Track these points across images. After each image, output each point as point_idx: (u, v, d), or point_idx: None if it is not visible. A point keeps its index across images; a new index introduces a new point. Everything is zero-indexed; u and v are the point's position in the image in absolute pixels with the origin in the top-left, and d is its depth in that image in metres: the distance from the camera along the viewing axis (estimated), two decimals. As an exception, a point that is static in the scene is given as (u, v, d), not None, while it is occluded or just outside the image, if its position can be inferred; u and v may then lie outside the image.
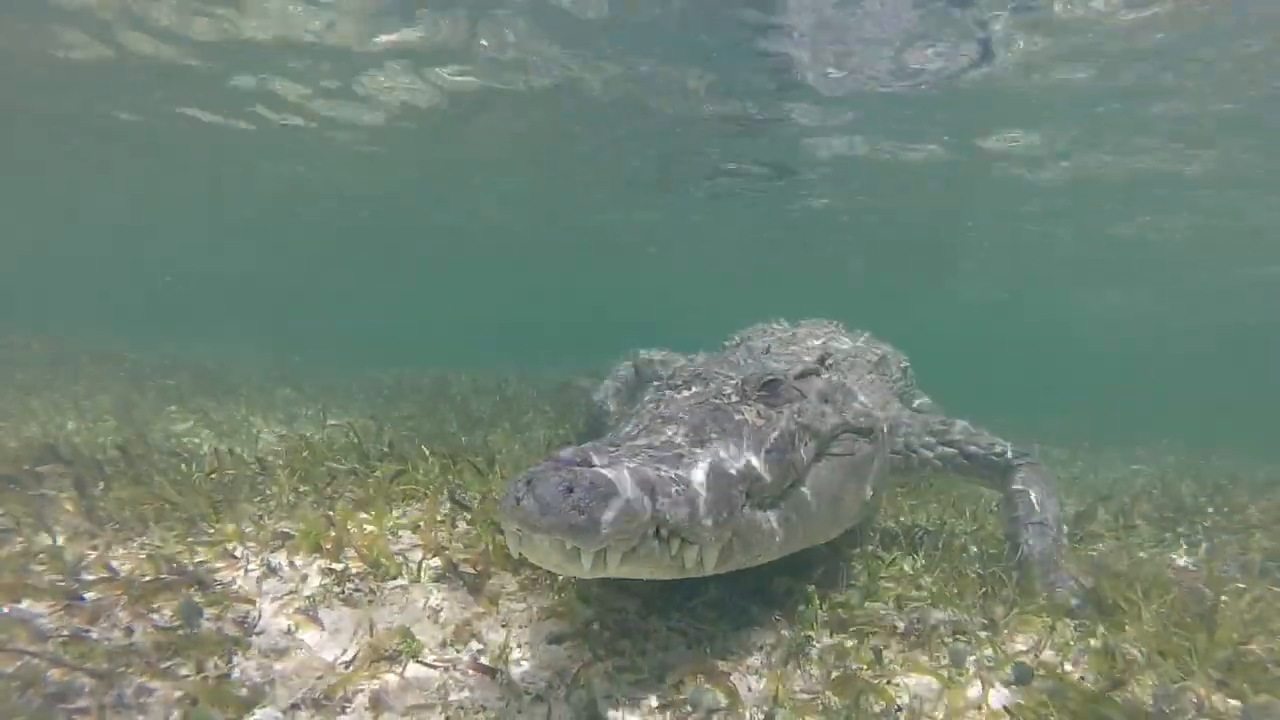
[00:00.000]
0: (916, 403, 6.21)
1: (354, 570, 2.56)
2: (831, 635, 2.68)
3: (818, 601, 2.85)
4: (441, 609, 2.42)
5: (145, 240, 38.67)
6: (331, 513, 3.05)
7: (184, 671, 1.90)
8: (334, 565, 2.58)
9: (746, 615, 2.75)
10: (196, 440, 6.28)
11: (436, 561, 2.66)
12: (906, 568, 3.48)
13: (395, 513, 3.11)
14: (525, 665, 2.23)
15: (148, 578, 2.37)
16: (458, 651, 2.22)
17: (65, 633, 2.02)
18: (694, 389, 2.77)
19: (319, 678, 1.99)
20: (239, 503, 3.17)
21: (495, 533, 2.86)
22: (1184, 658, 2.45)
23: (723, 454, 2.33)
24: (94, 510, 3.07)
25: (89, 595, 2.28)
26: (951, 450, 3.77)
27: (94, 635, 2.03)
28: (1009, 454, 3.74)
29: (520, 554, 1.91)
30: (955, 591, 3.12)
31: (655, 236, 25.30)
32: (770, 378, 2.79)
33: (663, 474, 2.04)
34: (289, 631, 2.19)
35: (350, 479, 3.52)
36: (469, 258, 36.49)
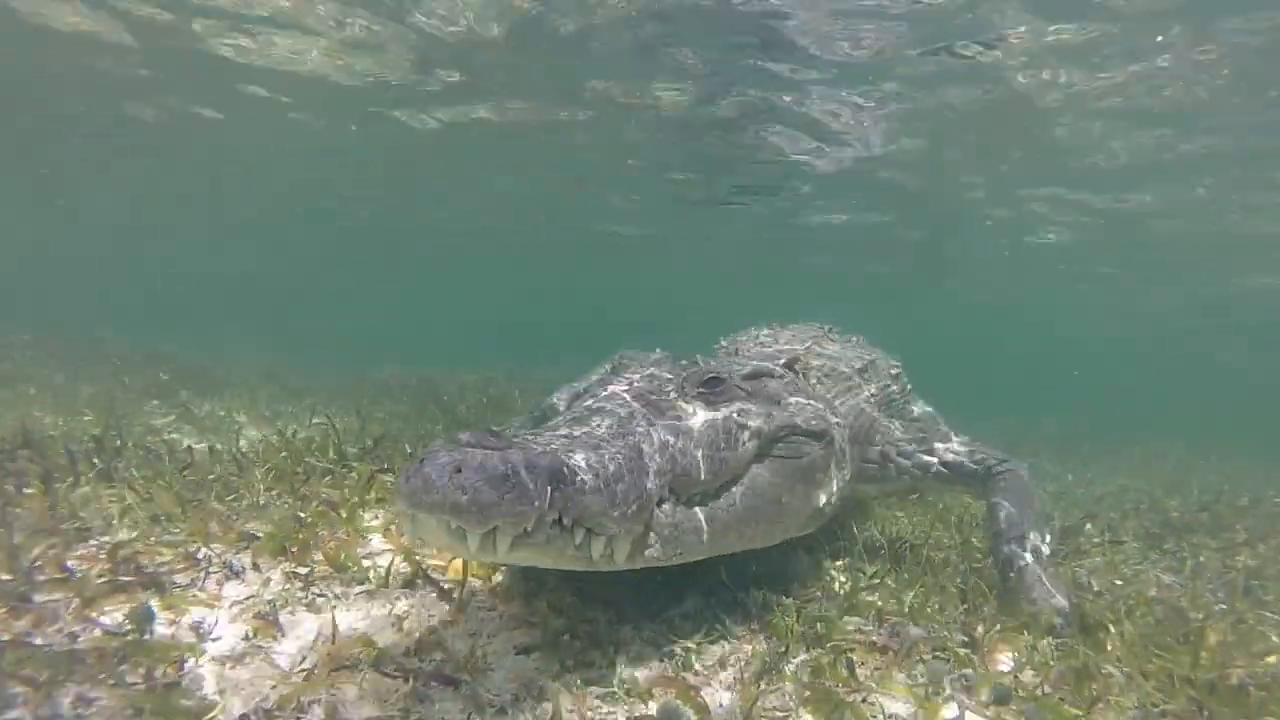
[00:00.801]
0: (917, 410, 6.14)
1: (320, 574, 2.49)
2: (808, 650, 2.62)
3: (795, 615, 2.80)
4: (408, 616, 2.35)
5: (148, 239, 38.49)
6: (303, 514, 2.99)
7: (131, 679, 1.83)
8: (299, 569, 2.51)
9: (722, 627, 2.69)
10: (176, 435, 6.19)
11: (406, 566, 2.59)
12: (889, 581, 3.44)
13: (368, 515, 3.05)
14: (491, 676, 2.17)
15: (103, 579, 2.29)
16: (421, 661, 2.15)
17: (5, 637, 1.94)
18: (637, 385, 2.76)
19: (273, 687, 1.92)
20: (208, 502, 3.09)
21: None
22: (1165, 679, 2.40)
23: (644, 447, 2.30)
24: (58, 506, 3.00)
25: (39, 597, 2.20)
26: (930, 459, 3.70)
27: (38, 640, 1.95)
28: (989, 461, 3.67)
29: (415, 537, 1.88)
30: (937, 607, 3.08)
31: (656, 239, 25.25)
32: (711, 375, 2.78)
33: (571, 461, 2.02)
34: (247, 637, 2.12)
35: (325, 479, 3.45)
36: (470, 257, 36.38)
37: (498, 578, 2.69)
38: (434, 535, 1.84)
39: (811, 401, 3.10)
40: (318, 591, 2.40)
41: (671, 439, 2.41)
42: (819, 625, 2.76)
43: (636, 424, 2.41)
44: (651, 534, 2.24)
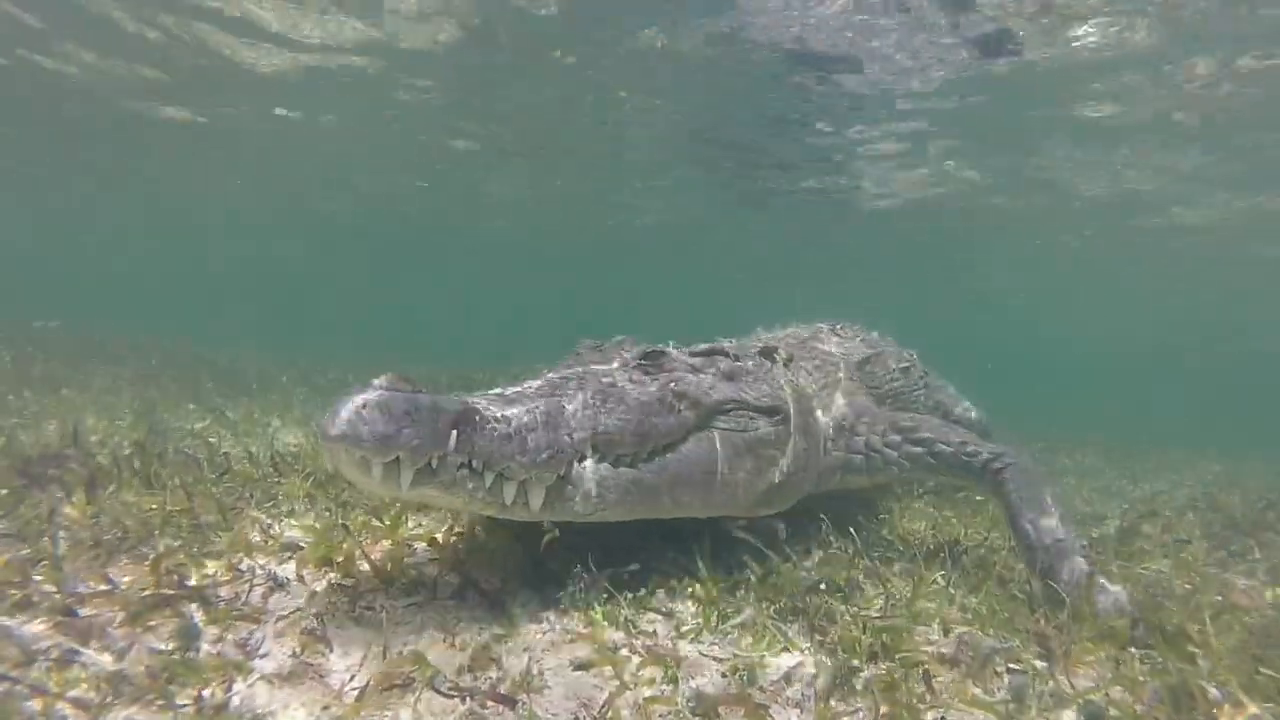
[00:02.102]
0: (958, 409, 6.01)
1: (366, 586, 2.40)
2: (876, 663, 2.48)
3: (862, 625, 2.66)
4: (458, 630, 2.25)
5: (185, 239, 39.19)
6: (345, 522, 2.91)
7: (181, 701, 1.75)
8: (345, 580, 2.42)
9: (784, 638, 2.56)
10: (213, 440, 6.18)
11: (454, 577, 2.49)
12: (947, 585, 3.29)
13: (410, 523, 2.95)
14: (548, 694, 2.06)
15: (147, 592, 2.22)
16: (475, 679, 2.05)
17: (54, 654, 1.87)
18: (587, 360, 2.95)
19: (325, 708, 1.83)
20: (249, 510, 3.03)
21: (517, 545, 2.69)
22: (1274, 696, 2.22)
23: (567, 406, 2.44)
24: (100, 515, 2.95)
25: (84, 611, 2.13)
26: (918, 449, 3.61)
27: (84, 657, 1.88)
28: (983, 455, 3.53)
29: (334, 469, 2.06)
30: (1005, 615, 2.92)
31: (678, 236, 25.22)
32: (654, 349, 2.98)
33: (483, 408, 2.19)
34: (295, 654, 2.03)
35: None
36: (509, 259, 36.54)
37: (549, 588, 2.58)
38: (346, 467, 2.01)
39: (766, 385, 3.14)
40: (365, 604, 2.30)
41: (598, 401, 2.53)
42: (885, 636, 2.62)
43: (566, 387, 2.57)
44: (570, 487, 2.37)
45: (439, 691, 1.95)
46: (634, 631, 2.42)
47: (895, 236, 20.76)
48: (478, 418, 2.14)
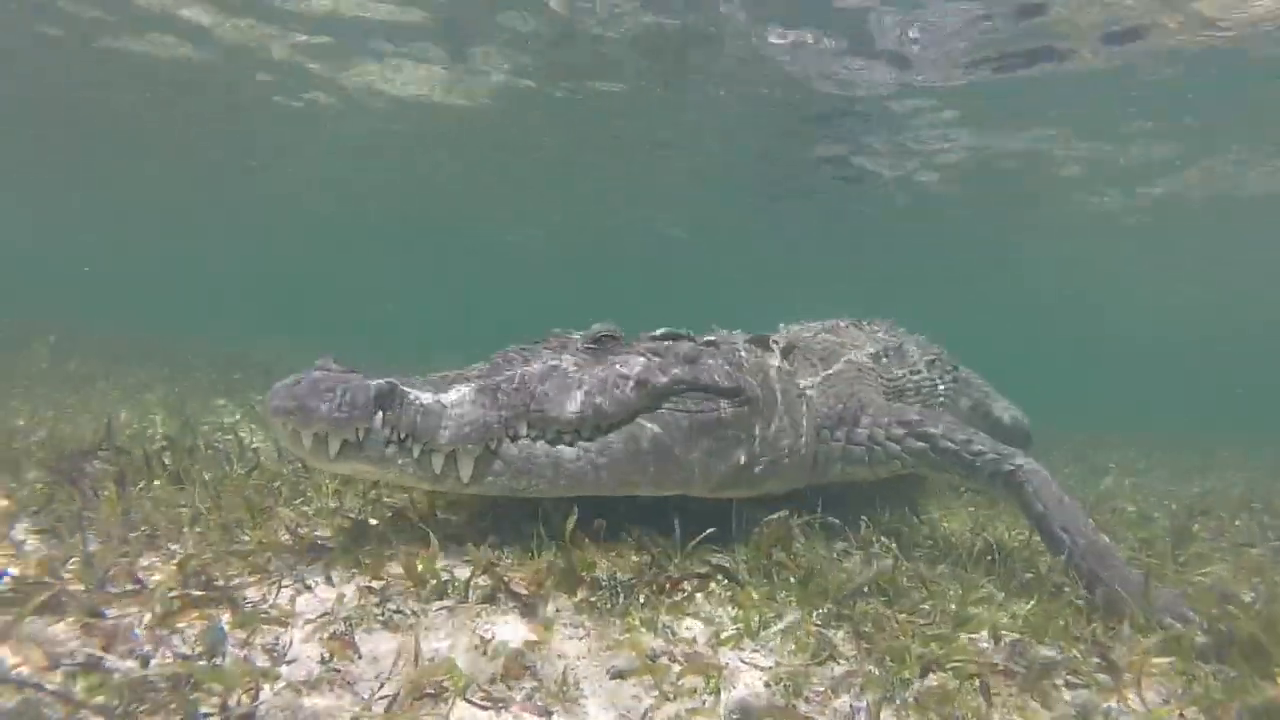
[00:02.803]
0: (996, 408, 5.86)
1: (395, 589, 2.32)
2: (926, 674, 2.35)
3: (910, 633, 2.53)
4: (491, 636, 2.16)
5: (216, 240, 39.89)
6: (374, 521, 2.84)
7: (205, 710, 1.68)
8: (374, 582, 2.34)
9: (828, 645, 2.44)
10: (244, 435, 6.19)
11: (485, 580, 2.40)
12: (995, 590, 3.15)
13: (441, 517, 2.88)
14: (585, 705, 1.97)
15: (174, 592, 2.16)
16: (509, 688, 1.96)
17: (79, 658, 1.81)
18: (543, 345, 3.01)
19: (354, 718, 1.75)
20: (278, 507, 2.97)
21: (552, 547, 2.60)
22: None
23: (503, 385, 2.57)
24: (130, 512, 2.91)
25: (111, 611, 2.08)
26: (922, 444, 3.55)
27: (109, 662, 1.82)
28: (991, 456, 3.43)
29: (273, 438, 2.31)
30: (1060, 623, 2.77)
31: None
32: (604, 333, 3.02)
33: (410, 386, 2.38)
34: (323, 660, 1.95)
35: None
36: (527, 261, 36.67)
37: (583, 592, 2.48)
38: (284, 439, 2.27)
39: (730, 364, 3.14)
40: (394, 608, 2.23)
41: (535, 381, 2.64)
42: (934, 645, 2.50)
43: (509, 368, 2.69)
44: (499, 462, 2.51)
45: (471, 702, 1.86)
46: (673, 638, 2.32)
47: (938, 217, 20.16)
48: (405, 394, 2.34)
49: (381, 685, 1.90)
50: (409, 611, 2.22)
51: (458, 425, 2.40)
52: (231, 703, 1.71)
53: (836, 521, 3.53)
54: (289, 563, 2.44)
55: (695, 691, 2.08)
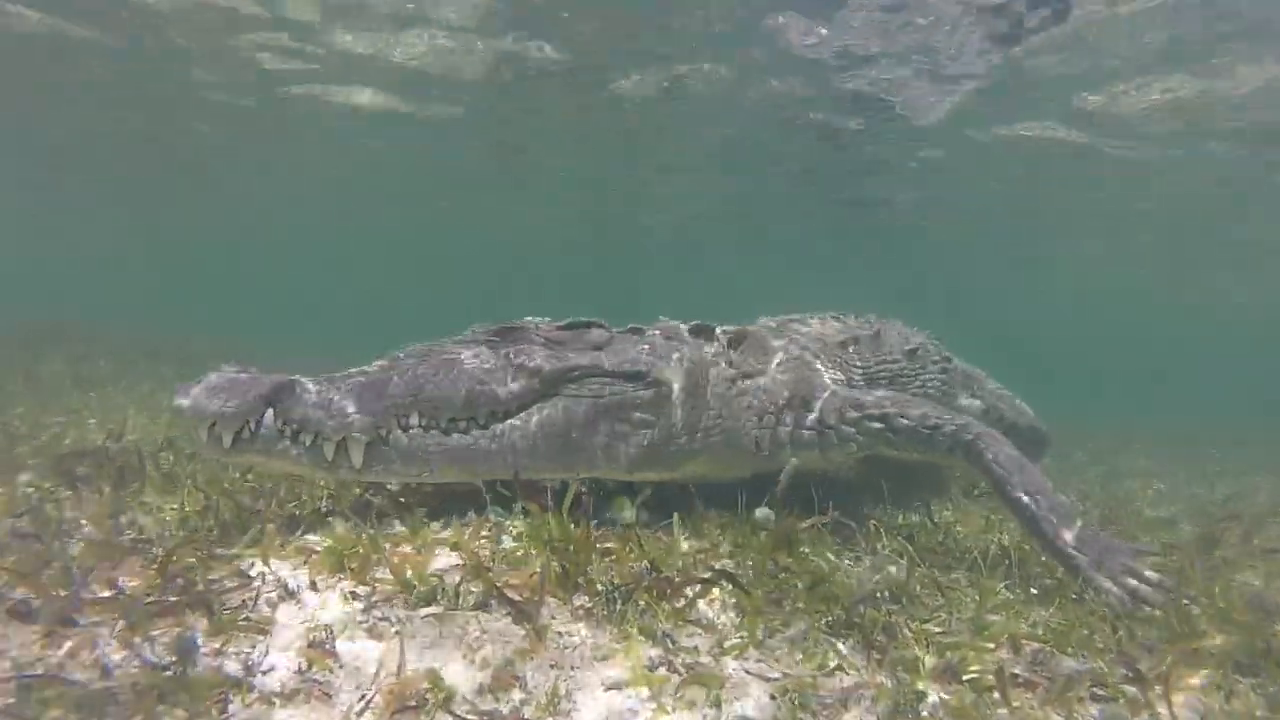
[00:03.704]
0: (1006, 408, 5.63)
1: (382, 594, 2.22)
2: (943, 685, 2.22)
3: (924, 643, 2.41)
4: (481, 644, 2.06)
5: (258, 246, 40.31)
6: (363, 525, 2.74)
7: (169, 723, 1.58)
8: (359, 588, 2.24)
9: (838, 655, 2.32)
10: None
11: (477, 586, 2.29)
12: (1013, 596, 3.02)
13: (435, 525, 2.78)
14: (577, 718, 1.85)
15: (151, 598, 2.07)
16: (497, 700, 1.85)
17: (38, 670, 1.72)
18: (453, 339, 3.13)
19: (329, 732, 1.65)
20: (268, 510, 2.88)
21: (548, 552, 2.49)
22: None
23: (395, 377, 2.72)
24: (118, 515, 2.84)
25: (82, 620, 1.99)
26: (877, 425, 3.53)
27: (73, 673, 1.73)
28: (948, 427, 3.45)
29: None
30: (1084, 631, 2.63)
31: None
32: (504, 325, 3.15)
33: (301, 383, 2.58)
34: (300, 670, 1.85)
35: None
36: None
37: (580, 600, 2.37)
38: (187, 430, 2.56)
39: (641, 350, 3.19)
40: (380, 615, 2.12)
41: (429, 372, 2.76)
42: (950, 654, 2.37)
43: (406, 361, 2.84)
44: (388, 449, 2.66)
45: (455, 714, 1.75)
46: (673, 647, 2.20)
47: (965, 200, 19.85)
48: (295, 390, 2.54)
49: (362, 697, 1.80)
50: (395, 619, 2.12)
51: (341, 415, 2.56)
52: (198, 716, 1.61)
53: (851, 524, 3.41)
54: (273, 568, 2.34)
55: (695, 704, 1.97)
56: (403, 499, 3.07)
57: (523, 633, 2.16)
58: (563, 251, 33.81)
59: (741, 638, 2.33)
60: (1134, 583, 2.94)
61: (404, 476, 2.75)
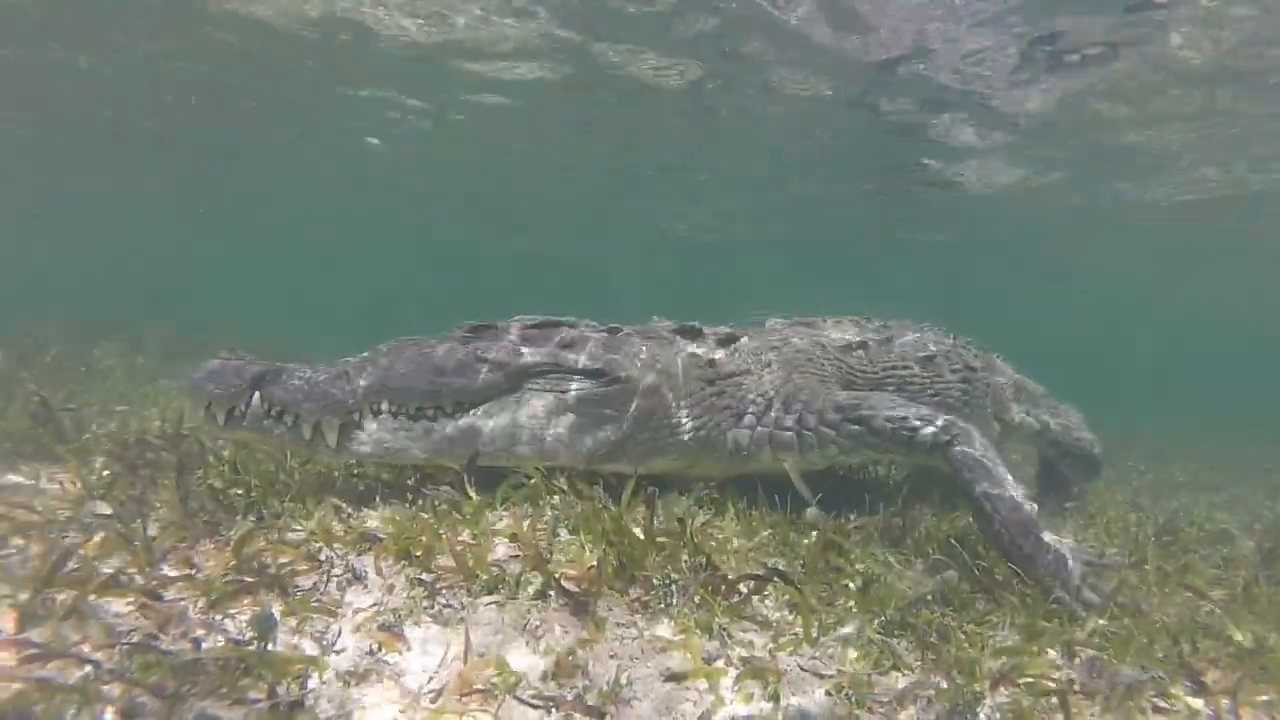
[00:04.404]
0: (1054, 423, 5.42)
1: (445, 582, 2.28)
2: (997, 688, 2.21)
3: (980, 645, 2.39)
4: (542, 633, 2.11)
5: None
6: (425, 514, 2.81)
7: (254, 695, 1.65)
8: (423, 574, 2.31)
9: (891, 654, 2.32)
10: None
11: (536, 576, 2.34)
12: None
13: (493, 515, 2.84)
14: (637, 707, 1.89)
15: (227, 578, 2.16)
16: (560, 686, 1.90)
17: (135, 638, 1.81)
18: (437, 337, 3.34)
19: (402, 711, 1.71)
20: (329, 496, 2.97)
21: (605, 545, 2.53)
22: None
23: (369, 367, 2.99)
24: (188, 499, 2.95)
25: (168, 594, 2.09)
26: (858, 428, 3.48)
27: (163, 643, 1.81)
28: (928, 428, 3.35)
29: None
30: (1143, 640, 2.59)
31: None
32: (477, 323, 3.33)
33: (286, 370, 2.87)
34: (371, 652, 1.92)
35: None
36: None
37: (635, 591, 2.41)
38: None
39: (609, 348, 3.32)
40: (444, 601, 2.19)
41: (399, 364, 3.02)
42: (1005, 657, 2.35)
43: (383, 354, 3.10)
44: (363, 433, 2.92)
45: (522, 700, 1.80)
46: (729, 641, 2.23)
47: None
48: (280, 376, 2.83)
49: (430, 679, 1.85)
50: (458, 605, 2.18)
51: (316, 398, 2.83)
52: (280, 690, 1.68)
53: (899, 523, 3.40)
54: (339, 552, 2.42)
55: (752, 697, 1.99)
56: (449, 484, 3.14)
57: (581, 623, 2.20)
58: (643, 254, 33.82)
59: (796, 634, 2.35)
60: (1089, 594, 2.93)
61: (375, 458, 2.99)
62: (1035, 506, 3.10)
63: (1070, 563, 2.97)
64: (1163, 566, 3.69)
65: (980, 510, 3.11)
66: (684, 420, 3.45)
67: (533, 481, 3.10)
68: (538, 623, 2.17)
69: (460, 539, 2.52)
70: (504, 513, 2.97)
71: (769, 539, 3.07)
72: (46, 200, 28.10)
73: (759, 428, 3.60)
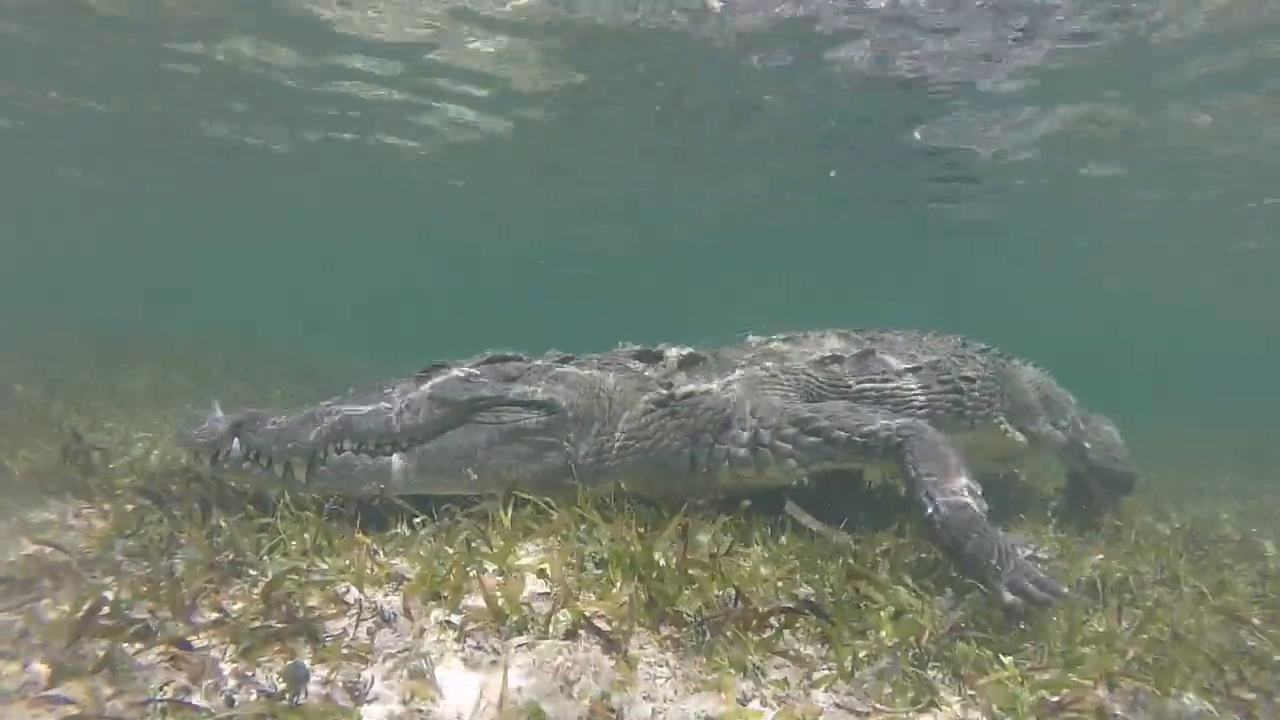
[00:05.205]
0: (1088, 441, 5.28)
1: (475, 623, 2.26)
2: (1040, 725, 2.16)
3: (1020, 679, 2.35)
4: (575, 676, 2.08)
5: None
6: (449, 548, 2.80)
7: (289, 753, 1.64)
8: (453, 616, 2.29)
9: (928, 689, 2.28)
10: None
11: (566, 614, 2.32)
12: (1103, 629, 2.92)
13: (520, 550, 2.82)
14: (674, 754, 1.86)
15: (256, 623, 2.15)
16: (595, 733, 1.87)
17: (169, 693, 1.80)
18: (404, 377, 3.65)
19: (439, 764, 1.69)
20: (355, 532, 2.97)
21: (636, 580, 2.51)
22: None
23: (333, 410, 3.30)
24: (214, 535, 2.95)
25: (197, 642, 2.08)
26: (814, 439, 3.52)
27: (196, 699, 1.80)
28: (882, 432, 3.37)
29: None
30: (1185, 670, 2.53)
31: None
32: (433, 364, 3.60)
33: (260, 418, 3.25)
34: (405, 701, 1.90)
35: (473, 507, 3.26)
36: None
37: (665, 629, 2.38)
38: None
39: (543, 384, 3.51)
40: (474, 644, 2.17)
41: (360, 408, 3.32)
42: (1046, 692, 2.30)
43: (350, 397, 3.44)
44: (326, 468, 3.20)
45: (557, 749, 1.78)
46: (763, 680, 2.19)
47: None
48: (256, 423, 3.21)
49: (464, 728, 1.83)
50: (490, 649, 2.15)
51: (283, 442, 3.17)
52: (316, 746, 1.67)
53: (926, 555, 3.35)
54: (368, 593, 2.41)
55: (790, 739, 1.96)
56: (468, 515, 3.12)
57: (613, 663, 2.18)
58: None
59: (830, 669, 2.31)
60: (1032, 588, 2.83)
61: (342, 490, 3.25)
62: (984, 506, 3.05)
63: (1015, 563, 2.89)
64: (1198, 585, 3.63)
65: (920, 506, 3.08)
66: (632, 443, 3.56)
67: (556, 516, 3.09)
68: (569, 664, 2.14)
69: (489, 577, 2.50)
70: (530, 545, 2.97)
71: (796, 565, 3.04)
72: (46, 200, 28.28)
73: (716, 446, 3.65)
